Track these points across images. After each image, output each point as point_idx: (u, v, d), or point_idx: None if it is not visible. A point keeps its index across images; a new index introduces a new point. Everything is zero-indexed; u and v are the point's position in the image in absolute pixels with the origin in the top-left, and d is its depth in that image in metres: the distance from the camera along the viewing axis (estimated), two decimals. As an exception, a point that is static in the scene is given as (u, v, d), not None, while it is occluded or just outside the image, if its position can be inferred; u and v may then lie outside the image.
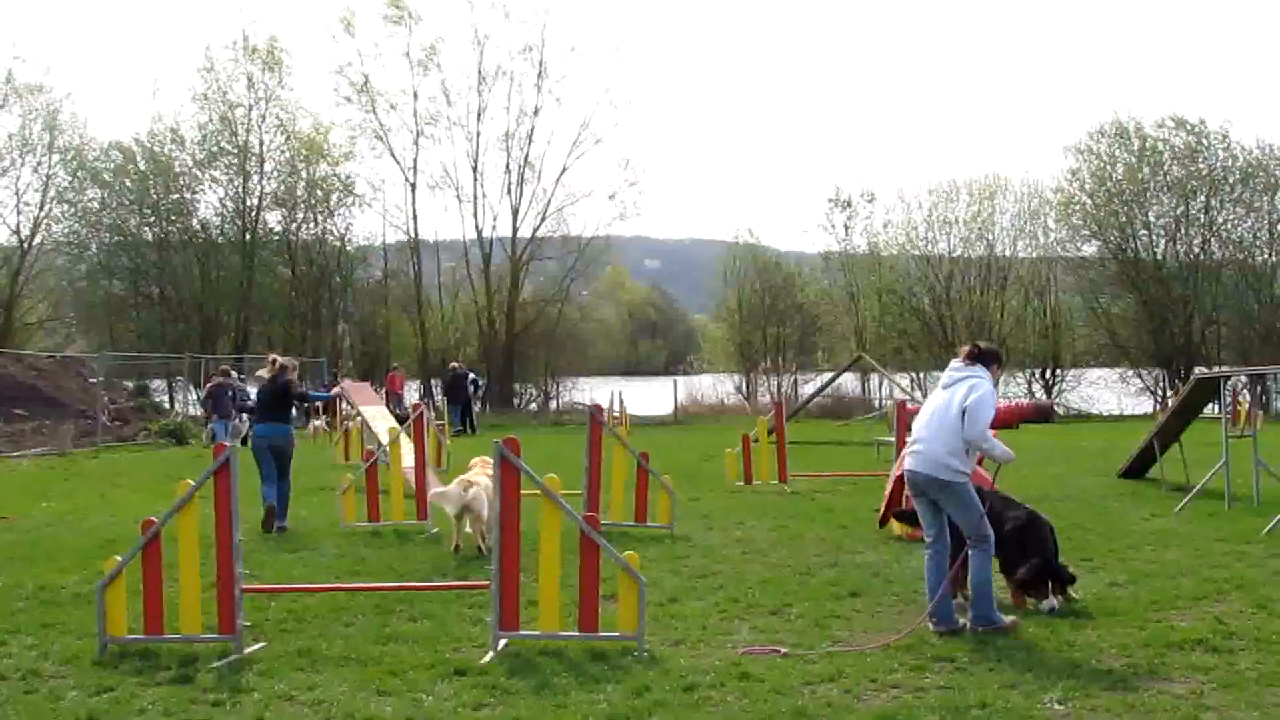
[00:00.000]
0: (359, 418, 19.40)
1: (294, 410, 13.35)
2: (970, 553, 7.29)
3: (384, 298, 42.90)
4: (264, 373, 13.29)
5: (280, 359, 13.32)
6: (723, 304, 45.89)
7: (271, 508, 12.27)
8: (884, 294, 41.16)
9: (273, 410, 12.77)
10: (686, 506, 13.48)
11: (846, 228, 42.79)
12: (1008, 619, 7.33)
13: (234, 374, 23.62)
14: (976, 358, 7.40)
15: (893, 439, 14.66)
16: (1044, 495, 13.69)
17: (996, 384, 7.39)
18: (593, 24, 78.46)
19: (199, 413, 29.35)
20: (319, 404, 32.45)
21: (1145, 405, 38.51)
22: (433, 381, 41.53)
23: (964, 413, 7.12)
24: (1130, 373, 39.83)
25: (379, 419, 17.81)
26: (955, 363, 7.50)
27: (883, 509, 11.36)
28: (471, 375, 32.65)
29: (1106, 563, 9.59)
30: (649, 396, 40.37)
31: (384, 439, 14.89)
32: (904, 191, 66.83)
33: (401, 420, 18.57)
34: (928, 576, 7.43)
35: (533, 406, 42.64)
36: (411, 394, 39.98)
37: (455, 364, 33.22)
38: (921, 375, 41.02)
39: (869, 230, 42.66)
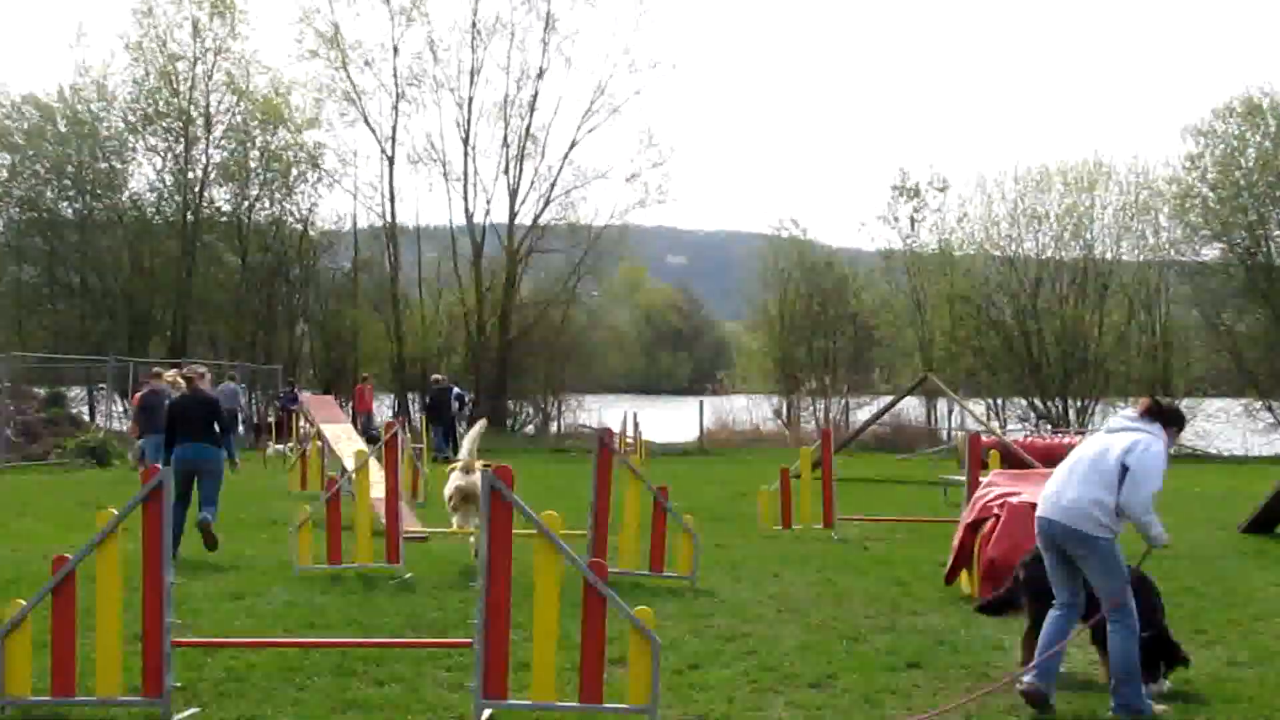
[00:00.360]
0: (320, 438, 19.46)
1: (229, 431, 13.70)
2: (1110, 627, 7.27)
3: (353, 294, 43.12)
4: (161, 383, 13.74)
5: (186, 372, 13.71)
6: (761, 310, 45.96)
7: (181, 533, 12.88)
8: (957, 302, 41.06)
9: (202, 428, 13.30)
10: (712, 554, 13.49)
11: (913, 221, 42.78)
12: (1159, 707, 7.31)
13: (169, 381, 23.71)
14: (1155, 414, 7.40)
15: (963, 478, 14.62)
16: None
17: (1169, 450, 7.33)
18: (611, -31, 78.17)
19: (126, 427, 29.44)
20: (270, 423, 32.78)
21: (1277, 444, 38.31)
22: (410, 396, 41.74)
23: (1124, 471, 7.13)
24: (1258, 405, 39.52)
25: (344, 440, 17.87)
26: (1127, 411, 7.57)
27: (950, 563, 11.32)
28: (457, 390, 32.79)
29: (1225, 637, 9.54)
30: (669, 420, 40.39)
31: (349, 464, 14.91)
32: (984, 179, 66.72)
33: (371, 441, 18.59)
34: (1045, 633, 7.41)
35: (530, 429, 42.83)
36: (384, 411, 40.14)
37: (438, 376, 33.34)
38: (999, 401, 40.97)
39: (940, 225, 42.64)
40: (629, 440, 30.26)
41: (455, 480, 13.42)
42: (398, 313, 42.25)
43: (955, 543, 11.26)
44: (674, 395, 61.10)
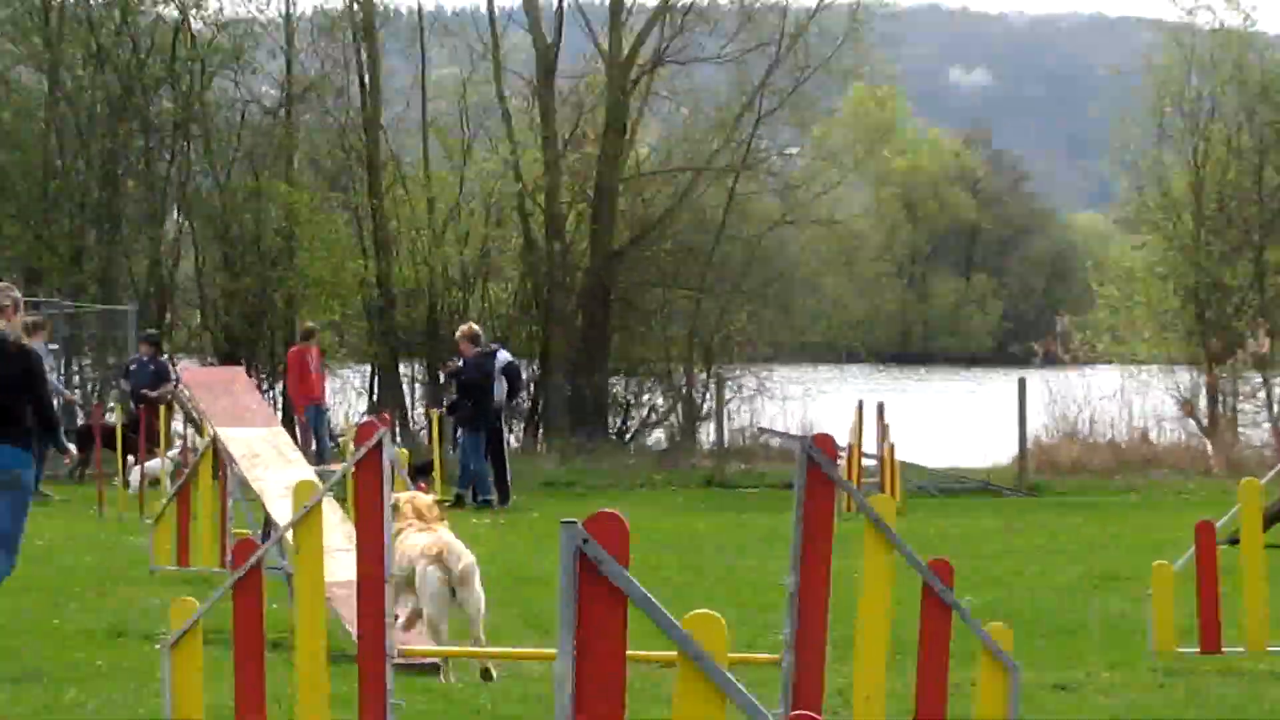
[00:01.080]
0: (220, 456, 19.63)
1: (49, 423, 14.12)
2: None
3: (286, 153, 43.57)
4: None
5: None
6: (1152, 187, 45.50)
7: None
8: None
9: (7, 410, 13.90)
10: (1048, 701, 13.61)
11: None
12: None
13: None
14: None
15: None
16: None
17: None
18: None
19: None
20: (113, 423, 33.13)
21: None
22: (408, 369, 42.07)
23: None
24: None
25: (268, 459, 18.03)
26: None
27: None
28: (506, 357, 32.82)
29: None
30: (953, 418, 40.27)
31: (279, 511, 15.07)
32: None
33: (321, 457, 18.73)
34: None
35: (657, 437, 42.96)
36: (350, 400, 40.57)
37: (472, 330, 33.08)
38: None
39: None
40: (870, 461, 30.23)
41: (412, 540, 13.68)
42: (379, 192, 42.67)
43: None
44: (964, 366, 61.05)
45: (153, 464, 27.79)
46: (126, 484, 28.11)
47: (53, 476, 32.07)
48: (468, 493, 29.75)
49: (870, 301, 62.30)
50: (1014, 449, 37.65)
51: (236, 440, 18.36)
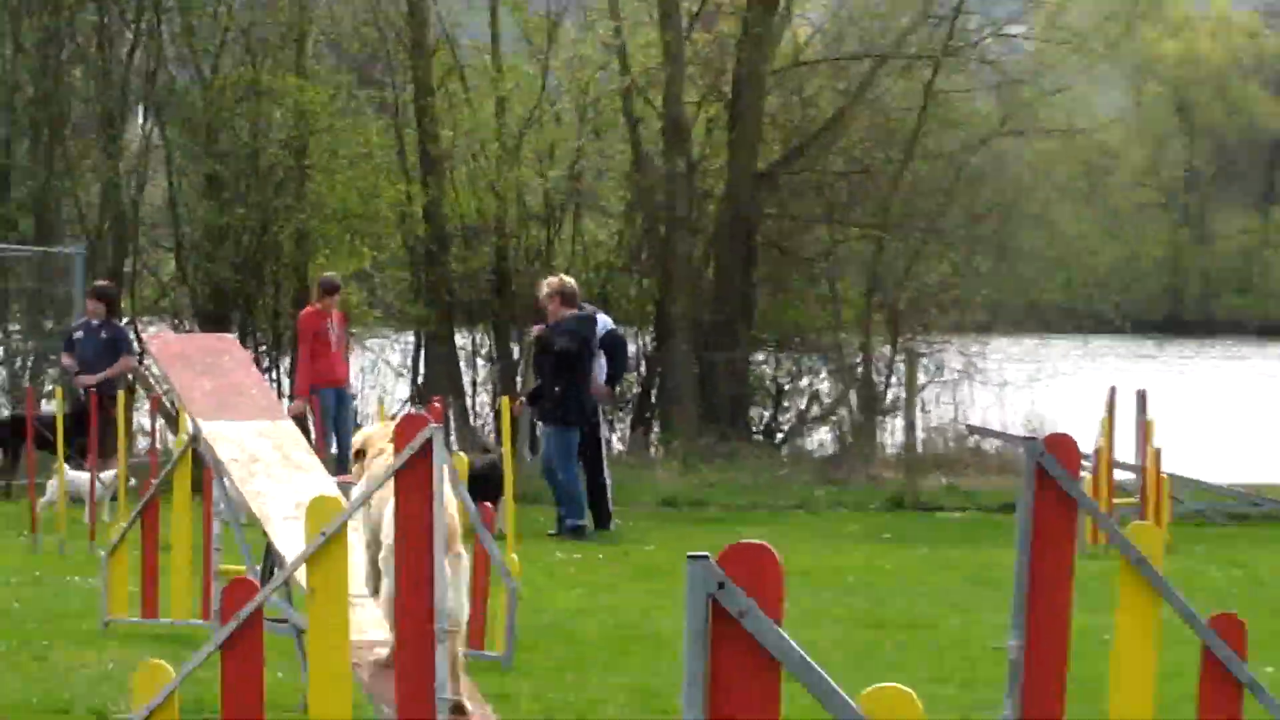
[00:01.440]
0: (205, 459, 19.71)
1: None
2: None
3: (296, 33, 43.58)
4: None
5: None
6: None
7: None
8: None
9: None
10: None
11: None
12: None
13: None
14: None
15: None
16: None
17: None
18: None
19: None
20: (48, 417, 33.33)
21: None
22: (465, 339, 42.24)
23: None
24: None
25: (270, 464, 18.13)
26: None
27: None
28: (607, 323, 32.92)
29: None
30: (1245, 416, 40.32)
31: (281, 536, 15.22)
32: None
33: (343, 464, 18.89)
34: None
35: (821, 439, 43.08)
36: (382, 378, 40.82)
37: (562, 282, 33.09)
38: None
39: None
40: (1125, 474, 30.26)
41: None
42: (427, 88, 42.90)
43: None
44: (1262, 338, 61.17)
45: (108, 474, 27.79)
46: (72, 499, 28.23)
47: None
48: (561, 523, 29.74)
49: (1128, 246, 62.15)
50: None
51: (226, 438, 18.40)
